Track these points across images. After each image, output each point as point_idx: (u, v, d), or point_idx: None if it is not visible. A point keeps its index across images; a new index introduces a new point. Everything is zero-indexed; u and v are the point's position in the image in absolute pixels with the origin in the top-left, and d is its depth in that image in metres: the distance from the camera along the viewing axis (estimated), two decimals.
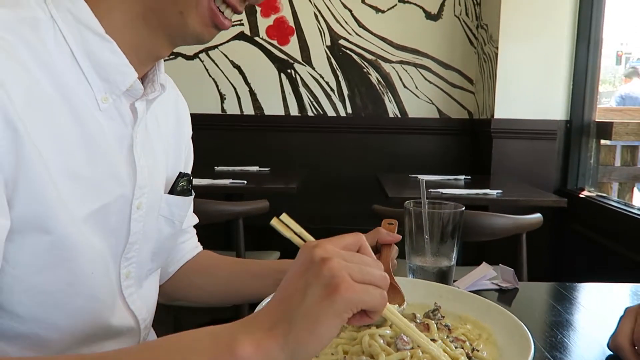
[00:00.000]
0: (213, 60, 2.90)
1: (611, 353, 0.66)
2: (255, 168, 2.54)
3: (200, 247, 0.89)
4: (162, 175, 0.70)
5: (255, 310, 0.48)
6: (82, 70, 0.56)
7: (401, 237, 0.76)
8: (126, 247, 0.63)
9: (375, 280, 0.44)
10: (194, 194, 0.76)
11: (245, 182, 2.12)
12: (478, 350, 0.60)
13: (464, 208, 0.80)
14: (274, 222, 0.53)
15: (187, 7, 0.57)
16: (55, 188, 0.52)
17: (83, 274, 0.57)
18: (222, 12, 0.59)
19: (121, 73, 0.58)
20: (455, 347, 0.59)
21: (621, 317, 0.66)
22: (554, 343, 0.71)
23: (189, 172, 0.79)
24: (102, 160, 0.57)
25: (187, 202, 0.74)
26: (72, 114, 0.54)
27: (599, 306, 0.88)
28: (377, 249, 0.75)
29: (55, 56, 0.54)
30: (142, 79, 0.63)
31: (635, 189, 2.57)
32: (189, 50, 2.85)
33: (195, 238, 0.89)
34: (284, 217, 0.54)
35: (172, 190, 0.71)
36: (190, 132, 0.82)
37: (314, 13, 2.85)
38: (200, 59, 2.89)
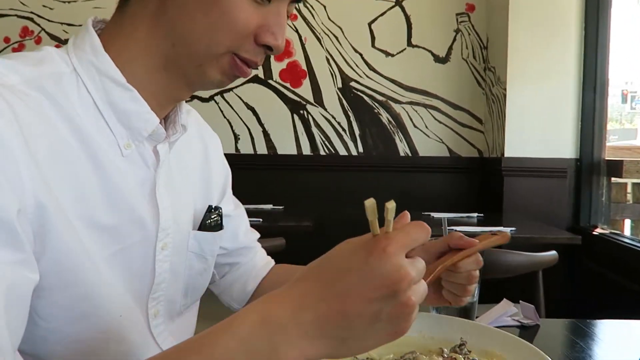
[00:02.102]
0: (228, 102, 2.99)
1: None
2: (270, 206, 2.58)
3: (273, 262, 0.90)
4: (189, 212, 0.71)
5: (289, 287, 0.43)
6: (104, 119, 0.58)
7: (477, 242, 0.70)
8: (152, 287, 0.63)
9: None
10: (224, 227, 0.76)
11: (261, 219, 2.15)
12: None
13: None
14: (369, 202, 0.44)
15: (207, 61, 0.58)
16: (79, 241, 0.54)
17: (112, 318, 0.58)
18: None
19: (143, 120, 0.59)
20: None
21: None
22: None
23: (227, 204, 0.80)
24: (124, 207, 0.59)
25: (217, 237, 0.74)
26: (94, 163, 0.56)
27: (619, 342, 0.89)
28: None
29: (78, 108, 0.56)
30: (164, 120, 0.65)
31: None
32: (205, 92, 2.95)
33: (264, 252, 0.90)
34: (390, 204, 0.43)
35: (202, 225, 0.72)
36: (223, 163, 0.82)
37: (326, 57, 2.95)
38: (216, 101, 2.98)
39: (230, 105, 2.99)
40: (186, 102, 0.70)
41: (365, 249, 0.41)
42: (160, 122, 0.62)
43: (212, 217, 0.73)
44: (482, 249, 0.70)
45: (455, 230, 1.86)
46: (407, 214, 0.48)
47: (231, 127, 2.99)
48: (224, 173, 0.82)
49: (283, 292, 0.43)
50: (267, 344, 0.40)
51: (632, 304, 1.96)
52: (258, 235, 0.90)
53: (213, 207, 0.74)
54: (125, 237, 0.59)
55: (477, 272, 0.71)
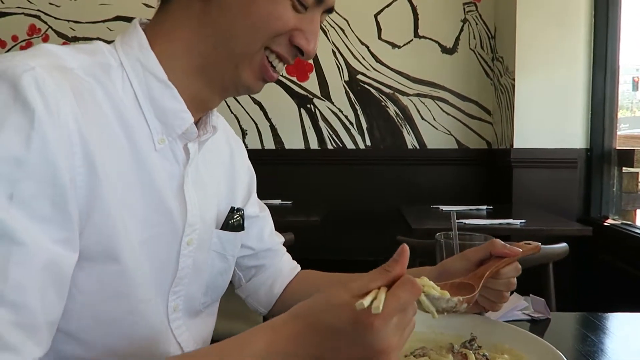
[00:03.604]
0: (234, 97, 2.99)
1: None
2: (278, 201, 2.58)
3: (299, 267, 0.92)
4: (214, 211, 0.73)
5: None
6: (143, 113, 0.61)
7: (520, 251, 0.73)
8: (174, 281, 0.66)
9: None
10: (248, 228, 0.79)
11: None
12: None
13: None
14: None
15: (242, 60, 0.62)
16: (120, 216, 0.57)
17: (140, 302, 0.60)
18: (274, 67, 0.64)
19: (179, 118, 0.63)
20: None
21: None
22: None
23: (253, 206, 0.83)
24: (155, 197, 0.61)
25: (239, 238, 0.77)
26: (132, 152, 0.59)
27: (632, 335, 0.88)
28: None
29: (122, 98, 0.59)
30: (196, 121, 0.67)
31: None
32: None
33: (289, 257, 0.92)
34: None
35: (225, 226, 0.75)
36: (248, 168, 0.85)
37: (332, 50, 2.94)
38: None
39: (237, 101, 2.99)
40: None
41: (355, 314, 0.45)
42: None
43: (235, 217, 0.76)
44: (521, 257, 0.74)
45: (464, 223, 1.85)
46: (405, 251, 0.50)
47: (238, 122, 3.00)
48: (248, 177, 0.84)
49: (287, 327, 0.49)
50: None
51: None
52: (283, 239, 0.91)
53: (236, 208, 0.77)
54: (154, 226, 0.61)
55: (515, 280, 0.74)
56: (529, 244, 0.78)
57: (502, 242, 0.73)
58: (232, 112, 2.99)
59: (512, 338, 0.70)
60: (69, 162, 0.51)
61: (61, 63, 0.55)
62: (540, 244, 0.78)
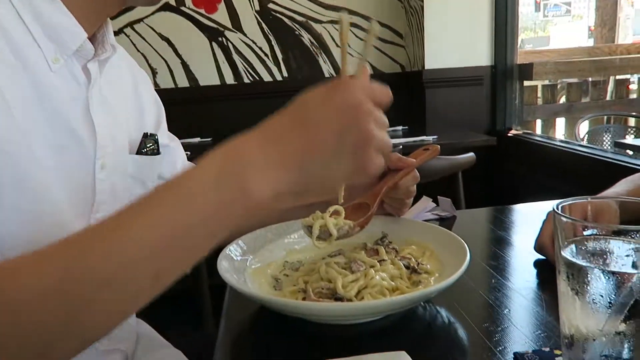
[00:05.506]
0: (140, 34, 2.80)
1: (538, 257, 0.75)
2: (197, 139, 2.52)
3: None
4: (125, 135, 0.71)
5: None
6: (31, 33, 0.57)
7: (415, 161, 0.74)
8: (94, 206, 0.64)
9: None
10: (162, 153, 0.77)
11: (190, 153, 2.11)
12: (423, 264, 0.67)
13: (401, 149, 0.87)
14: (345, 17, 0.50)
15: None
16: (27, 145, 0.54)
17: (61, 226, 0.58)
18: None
19: (70, 33, 0.59)
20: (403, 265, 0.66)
21: (544, 221, 0.75)
22: (489, 255, 0.80)
23: (162, 137, 0.80)
24: (59, 120, 0.59)
25: (156, 162, 0.75)
26: (28, 76, 0.56)
27: (528, 222, 0.98)
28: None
29: (5, 21, 0.54)
30: (92, 40, 0.64)
31: (556, 123, 2.77)
32: (113, 25, 2.73)
33: None
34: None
35: (139, 151, 0.73)
36: (156, 100, 0.82)
37: None
38: (126, 34, 2.79)
39: (143, 38, 2.80)
40: None
41: (325, 85, 0.46)
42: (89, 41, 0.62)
43: (148, 144, 0.74)
44: (418, 165, 0.76)
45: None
46: (365, 69, 0.51)
47: (147, 60, 2.83)
48: (156, 107, 0.82)
49: (249, 132, 0.44)
50: (236, 178, 0.41)
51: (542, 193, 2.15)
52: None
53: (149, 133, 0.75)
54: (63, 151, 0.59)
55: (414, 187, 0.77)
56: (427, 149, 0.81)
57: (398, 155, 0.75)
58: (138, 51, 2.81)
59: (419, 232, 0.76)
60: None
61: None
62: (438, 146, 0.82)
